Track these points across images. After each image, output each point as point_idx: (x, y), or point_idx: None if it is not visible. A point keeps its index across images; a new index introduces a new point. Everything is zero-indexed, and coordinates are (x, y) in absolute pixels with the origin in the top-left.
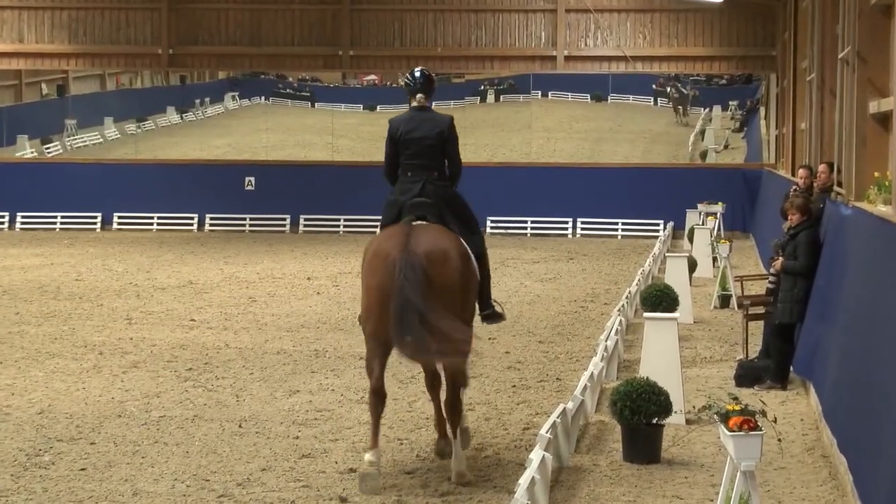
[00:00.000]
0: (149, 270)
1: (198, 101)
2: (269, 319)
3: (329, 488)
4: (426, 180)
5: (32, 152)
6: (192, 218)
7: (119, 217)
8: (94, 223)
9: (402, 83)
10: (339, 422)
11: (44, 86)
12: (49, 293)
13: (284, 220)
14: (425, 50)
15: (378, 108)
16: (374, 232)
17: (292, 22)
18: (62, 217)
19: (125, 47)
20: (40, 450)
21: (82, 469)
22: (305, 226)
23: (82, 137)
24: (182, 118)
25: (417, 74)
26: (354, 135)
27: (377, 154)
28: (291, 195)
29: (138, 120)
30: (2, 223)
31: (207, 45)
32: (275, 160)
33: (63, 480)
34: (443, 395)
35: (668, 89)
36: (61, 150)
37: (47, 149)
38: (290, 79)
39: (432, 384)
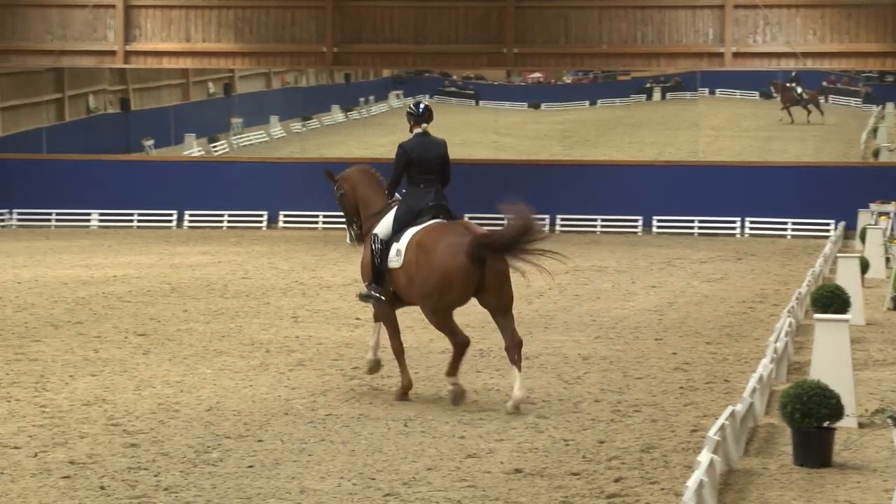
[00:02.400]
0: (314, 269)
1: (362, 99)
2: None
3: (495, 488)
4: (436, 190)
5: (199, 151)
6: None
7: (285, 215)
8: (261, 221)
9: (407, 112)
10: (504, 422)
11: (210, 85)
12: (216, 291)
13: None
14: (590, 47)
15: (542, 105)
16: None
17: (456, 19)
18: (229, 215)
19: (290, 46)
20: (209, 447)
21: (250, 466)
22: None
23: (248, 136)
24: (346, 116)
25: (422, 108)
26: (519, 133)
27: (542, 152)
28: (456, 194)
29: (303, 118)
30: (170, 221)
31: (372, 44)
32: None
33: (231, 477)
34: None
35: (787, 89)
36: (227, 149)
37: (214, 147)
38: (455, 77)
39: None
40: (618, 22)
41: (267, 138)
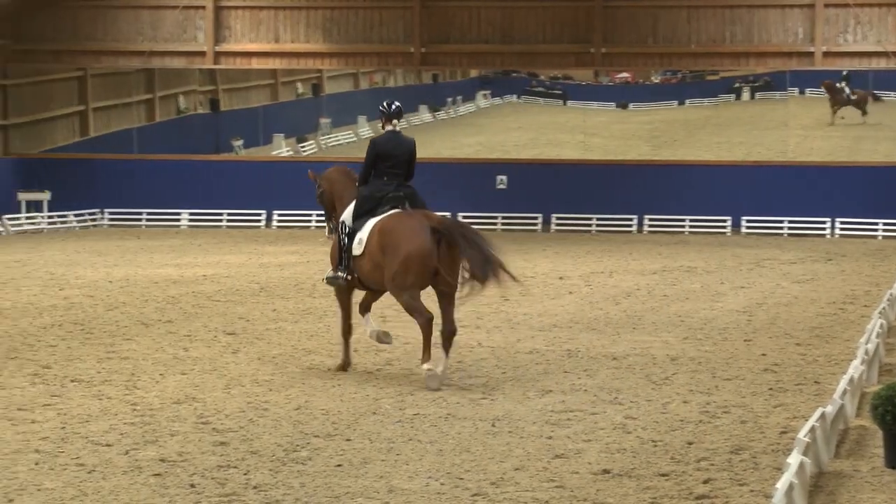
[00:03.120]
0: None
1: (450, 99)
2: (521, 319)
3: (582, 489)
4: (398, 183)
5: (288, 151)
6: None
7: None
8: None
9: (380, 109)
10: (592, 422)
11: (299, 85)
12: (305, 290)
13: (536, 218)
14: (679, 47)
15: (630, 105)
16: (628, 231)
17: (544, 19)
18: (317, 215)
19: (378, 46)
20: (297, 445)
21: (338, 465)
22: (557, 224)
23: (336, 136)
24: (434, 116)
25: (393, 107)
26: (607, 133)
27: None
28: (543, 194)
29: None
30: (259, 221)
31: (459, 44)
32: (526, 158)
33: (320, 476)
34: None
35: (837, 90)
36: (316, 149)
37: (302, 147)
38: (542, 77)
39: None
40: (706, 21)
41: (355, 138)
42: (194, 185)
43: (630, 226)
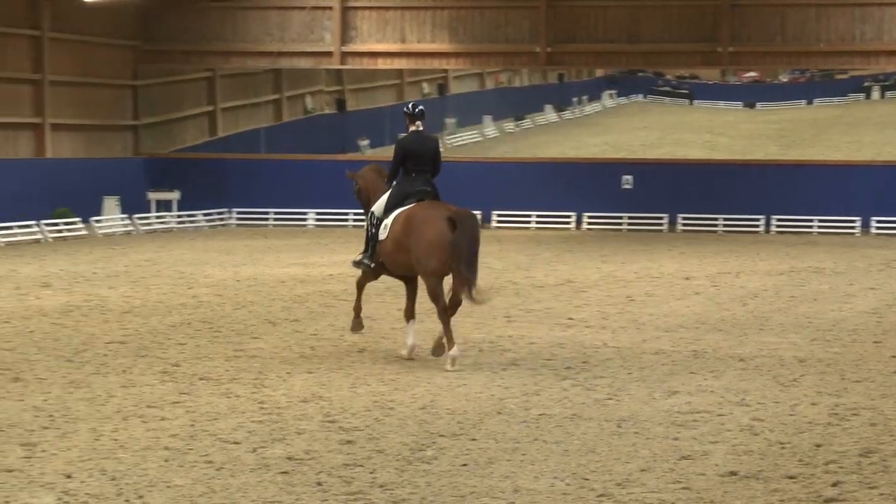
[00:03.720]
0: (527, 268)
1: (575, 99)
2: (646, 319)
3: (709, 491)
4: (424, 179)
5: None
6: (569, 216)
7: (498, 215)
8: None
9: (404, 111)
10: (719, 424)
11: (425, 85)
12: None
13: (662, 218)
14: (807, 45)
15: (758, 105)
16: (755, 231)
17: (670, 18)
18: None
19: (504, 46)
20: (423, 444)
21: (464, 465)
22: (683, 225)
23: (462, 136)
24: (560, 116)
25: (417, 109)
26: (734, 132)
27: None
28: (669, 194)
29: (516, 118)
30: None
31: (585, 43)
32: (652, 158)
33: (445, 475)
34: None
35: None
36: (441, 149)
37: None
38: (668, 76)
39: (445, 308)
40: (835, 20)
41: (480, 138)
42: (321, 184)
43: (757, 226)
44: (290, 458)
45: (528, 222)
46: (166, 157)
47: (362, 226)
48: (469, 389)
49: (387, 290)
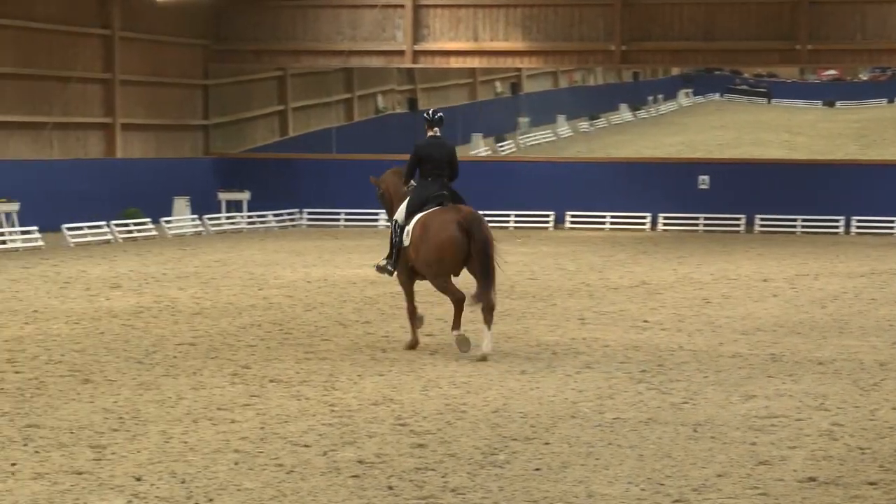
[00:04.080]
0: (601, 270)
1: (650, 98)
2: (723, 322)
3: (788, 497)
4: (441, 183)
5: (486, 150)
6: (644, 217)
7: (571, 216)
8: (547, 221)
9: (423, 117)
10: (797, 429)
11: (498, 84)
12: (503, 292)
13: (739, 219)
14: (888, 43)
15: (837, 104)
16: (835, 232)
17: (747, 16)
18: (515, 215)
19: (578, 44)
20: (495, 448)
21: (537, 469)
22: (761, 226)
23: (535, 135)
24: (634, 116)
25: (437, 116)
26: (812, 132)
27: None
28: (746, 194)
29: (590, 117)
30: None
31: (661, 41)
32: (729, 158)
33: (518, 480)
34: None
35: None
36: (514, 148)
37: (501, 147)
38: (746, 74)
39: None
40: None
41: (554, 137)
42: None
43: (837, 227)
44: (360, 462)
45: (603, 223)
46: (236, 157)
47: None
48: (542, 393)
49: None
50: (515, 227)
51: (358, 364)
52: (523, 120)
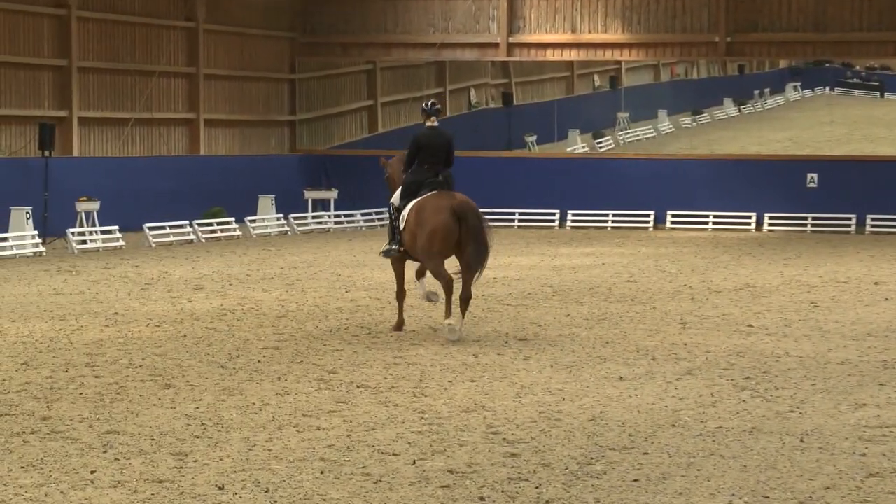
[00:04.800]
0: (703, 272)
1: (756, 91)
2: (832, 326)
3: None
4: (437, 170)
5: (584, 147)
6: (749, 217)
7: (672, 215)
8: (647, 222)
9: (422, 108)
10: None
11: (596, 77)
12: (600, 294)
13: (849, 219)
14: None
15: None
16: None
17: (860, 6)
18: (613, 215)
19: (681, 36)
20: (592, 458)
21: (635, 480)
22: (872, 226)
23: (635, 131)
24: (740, 110)
25: (433, 107)
26: None
27: None
28: (857, 193)
29: (693, 112)
30: (552, 221)
31: (768, 32)
32: (839, 155)
33: (615, 491)
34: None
35: None
36: (613, 145)
37: (599, 143)
38: (857, 67)
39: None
40: None
41: (654, 133)
42: (486, 182)
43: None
44: (451, 472)
45: (706, 223)
46: (324, 153)
47: (527, 225)
48: (641, 400)
49: (554, 294)
50: (613, 228)
51: (448, 369)
52: (623, 115)
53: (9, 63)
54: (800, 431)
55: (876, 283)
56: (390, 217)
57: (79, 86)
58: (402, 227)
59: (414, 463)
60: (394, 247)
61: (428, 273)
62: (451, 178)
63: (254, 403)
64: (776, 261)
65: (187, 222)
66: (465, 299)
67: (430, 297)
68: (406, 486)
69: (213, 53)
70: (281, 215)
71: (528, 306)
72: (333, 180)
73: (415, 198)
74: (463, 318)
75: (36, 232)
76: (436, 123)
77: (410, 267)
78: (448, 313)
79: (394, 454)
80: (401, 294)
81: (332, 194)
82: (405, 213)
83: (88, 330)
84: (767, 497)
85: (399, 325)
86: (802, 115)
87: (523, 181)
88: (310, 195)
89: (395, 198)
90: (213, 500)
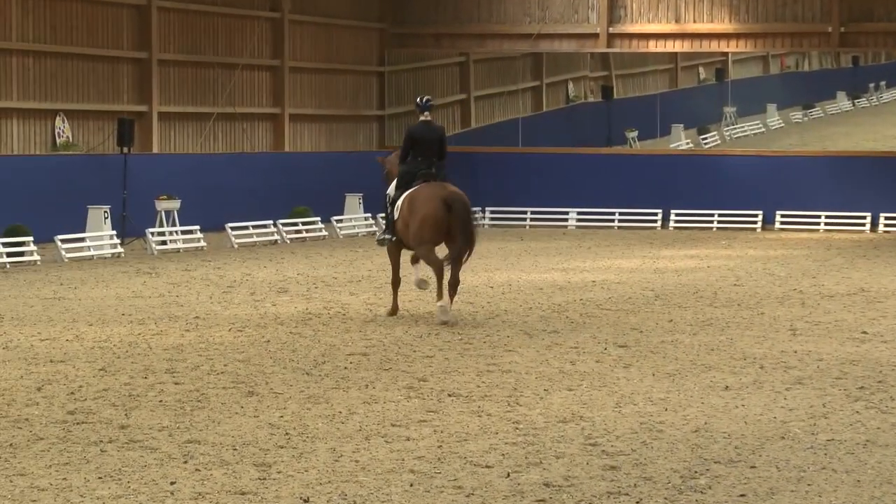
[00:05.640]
0: (815, 276)
1: (871, 84)
2: None
3: None
4: (429, 162)
5: (688, 143)
6: (863, 217)
7: (782, 216)
8: (755, 222)
9: (416, 103)
10: None
11: (701, 70)
12: (705, 299)
13: None
14: None
15: None
16: None
17: None
18: (719, 215)
19: (791, 25)
20: (696, 472)
21: (742, 495)
22: None
23: (742, 126)
24: (854, 104)
25: (426, 102)
26: None
27: None
28: None
29: (804, 107)
30: (654, 221)
31: (884, 22)
32: None
33: None
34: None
35: None
36: (719, 141)
37: (704, 139)
38: None
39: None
40: None
41: (763, 129)
42: (584, 181)
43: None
44: (547, 485)
45: (817, 224)
46: None
47: (627, 226)
48: (748, 411)
49: (656, 298)
50: (719, 228)
51: (544, 377)
52: (729, 110)
53: (87, 56)
54: None
55: None
56: (385, 208)
57: (159, 79)
58: (396, 216)
59: (508, 476)
60: (387, 236)
61: (421, 261)
62: (444, 170)
63: (340, 412)
64: (892, 264)
65: (271, 222)
66: (453, 285)
67: (420, 285)
68: (500, 499)
69: (298, 45)
70: (369, 214)
71: (629, 311)
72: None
73: (408, 188)
74: (451, 302)
75: (114, 232)
76: (429, 118)
77: (407, 255)
78: (440, 296)
79: (487, 466)
80: (395, 281)
81: None
82: (399, 202)
83: (168, 334)
84: None
85: (394, 311)
86: None
87: (624, 179)
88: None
89: (391, 189)
90: None
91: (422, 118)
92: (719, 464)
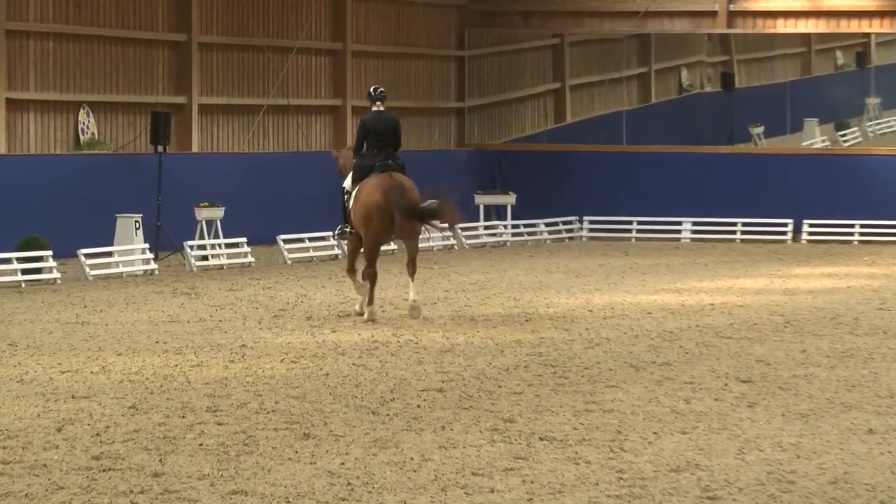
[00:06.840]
0: None
1: None
2: None
3: None
4: (385, 153)
5: (824, 141)
6: None
7: None
8: None
9: (368, 93)
10: None
11: (839, 54)
12: (844, 325)
13: None
14: None
15: None
16: None
17: None
18: (861, 226)
19: None
20: None
21: None
22: None
23: (889, 121)
24: None
25: (377, 92)
26: None
27: None
28: None
29: None
30: (784, 233)
31: None
32: None
33: None
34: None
35: None
36: (861, 138)
37: (843, 136)
38: None
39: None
40: None
41: None
42: (700, 185)
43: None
44: None
45: None
46: (499, 148)
47: (752, 238)
48: (895, 458)
49: (786, 325)
50: (861, 242)
51: (654, 418)
52: (872, 101)
53: (117, 38)
54: None
55: None
56: (342, 199)
57: (200, 66)
58: (351, 206)
59: None
60: (347, 229)
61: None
62: (399, 160)
63: (412, 459)
64: None
65: (331, 234)
66: (414, 266)
67: (359, 290)
68: None
69: (363, 26)
70: (446, 225)
71: (754, 340)
72: (511, 182)
73: (363, 180)
74: (413, 281)
75: (147, 245)
76: (381, 108)
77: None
78: (370, 301)
79: None
80: (351, 271)
81: (510, 199)
82: (353, 194)
83: (210, 366)
84: None
85: (368, 303)
86: None
87: (748, 183)
88: (481, 200)
89: (347, 182)
90: None
91: (374, 108)
92: None
